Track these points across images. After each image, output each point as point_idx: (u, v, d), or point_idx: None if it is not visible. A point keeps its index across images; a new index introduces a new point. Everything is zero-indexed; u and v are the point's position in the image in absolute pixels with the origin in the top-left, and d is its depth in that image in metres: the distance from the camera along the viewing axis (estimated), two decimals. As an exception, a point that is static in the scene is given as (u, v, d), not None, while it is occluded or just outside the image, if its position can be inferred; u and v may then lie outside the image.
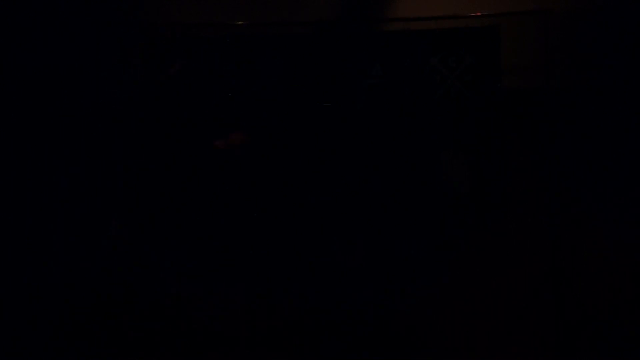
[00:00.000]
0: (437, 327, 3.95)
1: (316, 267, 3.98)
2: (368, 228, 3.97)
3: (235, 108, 4.03)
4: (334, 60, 4.01)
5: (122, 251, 4.06)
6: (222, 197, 4.00)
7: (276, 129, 4.01)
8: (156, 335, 4.01)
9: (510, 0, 3.98)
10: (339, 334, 3.97)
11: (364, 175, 3.95)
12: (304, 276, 3.99)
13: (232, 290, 4.02)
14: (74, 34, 4.12)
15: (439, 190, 3.94)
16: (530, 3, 3.94)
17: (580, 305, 3.86)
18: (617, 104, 3.95)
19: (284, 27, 4.07)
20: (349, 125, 3.98)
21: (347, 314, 3.98)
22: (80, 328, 3.98)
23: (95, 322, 4.00)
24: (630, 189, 3.92)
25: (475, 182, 3.92)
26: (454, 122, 3.94)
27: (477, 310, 3.94)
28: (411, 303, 3.96)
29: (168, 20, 4.13)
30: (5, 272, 3.96)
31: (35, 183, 4.06)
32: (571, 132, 3.96)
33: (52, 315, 3.99)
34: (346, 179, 3.96)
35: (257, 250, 4.00)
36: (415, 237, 3.95)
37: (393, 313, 3.97)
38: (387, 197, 3.94)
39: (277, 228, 3.99)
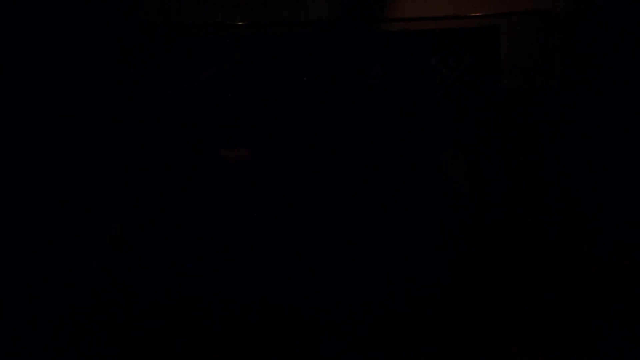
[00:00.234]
0: (437, 327, 3.95)
1: (316, 267, 3.97)
2: (368, 228, 3.97)
3: (235, 108, 4.03)
4: (334, 60, 4.01)
5: (122, 251, 4.06)
6: (222, 197, 4.00)
7: (276, 129, 4.01)
8: (156, 335, 4.01)
9: (510, 0, 3.98)
10: (339, 334, 3.97)
11: (364, 176, 3.95)
12: (304, 276, 3.99)
13: (232, 290, 4.02)
14: (74, 34, 4.12)
15: (439, 190, 3.93)
16: (530, 3, 3.94)
17: (580, 305, 3.86)
18: (617, 104, 3.95)
19: (284, 27, 4.07)
20: (349, 125, 3.98)
21: (347, 314, 3.98)
22: (80, 328, 3.98)
23: (95, 322, 3.99)
24: (630, 189, 3.92)
25: (475, 182, 3.92)
26: (454, 122, 3.94)
27: (477, 310, 3.94)
28: (411, 303, 3.96)
29: (168, 20, 4.13)
30: (5, 272, 3.96)
31: (35, 183, 4.06)
32: (571, 132, 3.96)
33: (52, 315, 3.99)
34: (346, 179, 3.96)
35: (257, 251, 4.00)
36: (415, 237, 3.94)
37: (393, 313, 3.97)
38: (387, 197, 3.94)
39: (277, 228, 3.99)
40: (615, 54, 3.96)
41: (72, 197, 4.08)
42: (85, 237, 4.06)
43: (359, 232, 3.97)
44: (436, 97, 3.96)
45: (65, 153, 4.10)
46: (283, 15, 4.09)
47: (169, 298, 4.04)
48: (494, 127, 3.93)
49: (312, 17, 4.07)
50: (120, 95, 4.12)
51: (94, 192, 4.09)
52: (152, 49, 4.08)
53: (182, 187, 4.00)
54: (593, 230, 3.91)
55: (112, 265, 4.05)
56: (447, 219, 3.94)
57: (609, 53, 3.97)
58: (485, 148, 3.92)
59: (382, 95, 3.98)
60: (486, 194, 3.93)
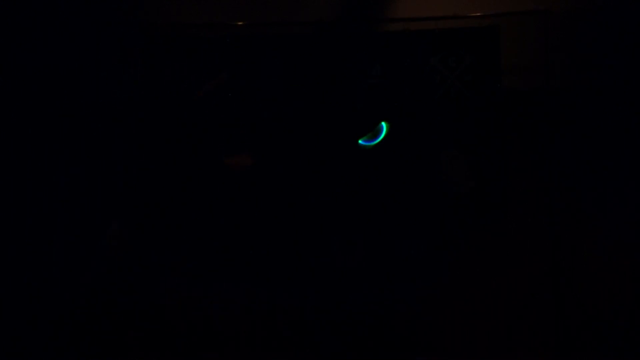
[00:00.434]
0: (437, 327, 3.95)
1: (316, 267, 3.97)
2: (368, 228, 3.97)
3: (235, 108, 4.03)
4: (334, 60, 4.01)
5: (122, 251, 4.06)
6: (222, 196, 4.00)
7: (276, 129, 4.01)
8: (156, 335, 4.01)
9: (510, 0, 3.98)
10: (339, 334, 3.97)
11: (364, 176, 3.95)
12: (304, 276, 3.99)
13: (232, 290, 4.02)
14: (74, 34, 4.12)
15: (439, 190, 3.93)
16: (530, 3, 3.94)
17: (580, 305, 3.86)
18: (617, 104, 3.95)
19: (284, 27, 4.07)
20: (349, 125, 3.98)
21: (347, 314, 3.97)
22: (80, 328, 3.98)
23: (95, 322, 3.99)
24: (630, 189, 3.92)
25: (475, 182, 3.92)
26: (454, 122, 3.94)
27: (477, 310, 3.94)
28: (411, 303, 3.96)
29: (168, 20, 4.13)
30: (5, 272, 3.96)
31: (35, 183, 4.06)
32: (571, 132, 3.96)
33: (52, 315, 3.99)
34: (346, 179, 3.96)
35: (257, 251, 4.00)
36: (415, 237, 3.95)
37: (393, 313, 3.97)
38: (387, 197, 3.94)
39: (277, 228, 3.98)
40: (615, 54, 3.96)
41: (72, 197, 4.08)
42: (85, 237, 4.06)
43: (359, 232, 3.97)
44: (436, 97, 3.96)
45: (66, 153, 4.10)
46: (283, 15, 4.09)
47: (169, 298, 4.04)
48: (494, 127, 3.93)
49: (312, 17, 4.07)
50: (120, 95, 4.12)
51: (93, 192, 4.09)
52: (152, 49, 4.08)
53: (182, 187, 4.00)
54: (593, 230, 3.91)
55: (112, 266, 4.05)
56: (447, 219, 3.94)
57: (609, 53, 3.97)
58: (485, 148, 3.92)
59: (382, 95, 3.98)
60: (486, 194, 3.93)
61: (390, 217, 3.95)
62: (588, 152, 3.96)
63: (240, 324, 4.02)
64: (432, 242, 3.95)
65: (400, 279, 3.97)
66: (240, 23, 4.07)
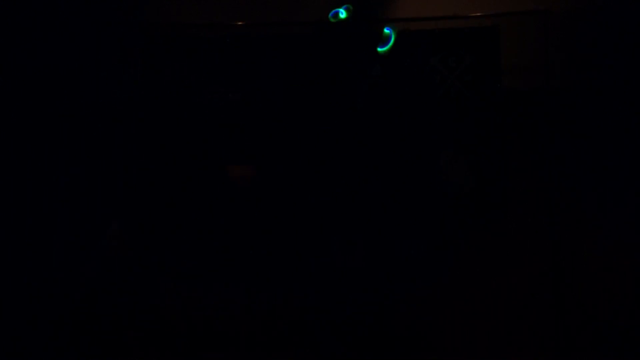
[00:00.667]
0: (437, 327, 3.95)
1: (316, 267, 3.97)
2: (368, 228, 3.97)
3: (235, 108, 4.03)
4: (334, 60, 4.01)
5: (122, 251, 4.06)
6: (222, 196, 4.00)
7: (276, 129, 4.01)
8: (156, 335, 4.01)
9: (510, 0, 3.98)
10: (339, 334, 3.97)
11: (364, 176, 3.95)
12: (304, 276, 3.99)
13: (232, 290, 4.02)
14: (74, 34, 4.12)
15: (439, 190, 3.93)
16: (530, 3, 3.94)
17: (580, 305, 3.86)
18: (617, 104, 3.95)
19: (284, 27, 4.07)
20: (349, 125, 3.98)
21: (347, 314, 3.97)
22: (80, 328, 3.98)
23: (95, 322, 3.99)
24: (630, 189, 3.92)
25: (475, 182, 3.92)
26: (454, 122, 3.95)
27: (477, 310, 3.94)
28: (411, 303, 3.96)
29: (168, 20, 4.14)
30: (5, 272, 3.96)
31: (36, 183, 4.06)
32: (571, 132, 3.96)
33: (52, 315, 3.99)
34: (346, 179, 3.96)
35: (257, 251, 4.00)
36: (416, 237, 3.94)
37: (393, 313, 3.97)
38: (387, 197, 3.94)
39: (277, 228, 3.98)
40: (615, 54, 3.96)
41: (72, 197, 4.08)
42: (85, 237, 4.06)
43: (359, 233, 3.97)
44: (436, 97, 3.96)
45: (66, 153, 4.10)
46: (283, 15, 4.10)
47: (169, 298, 4.04)
48: (494, 127, 3.93)
49: (312, 17, 4.07)
50: (120, 95, 4.12)
51: (93, 192, 4.09)
52: (152, 49, 4.08)
53: (182, 186, 4.00)
54: (593, 230, 3.91)
55: (112, 266, 4.05)
56: (447, 219, 3.94)
57: (609, 53, 3.97)
58: (485, 148, 3.92)
59: (382, 95, 3.98)
60: (486, 194, 3.93)
61: (390, 217, 3.95)
62: (588, 152, 3.96)
63: (240, 324, 4.02)
64: (432, 242, 3.95)
65: (400, 279, 3.97)
66: (240, 23, 4.07)
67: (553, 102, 3.91)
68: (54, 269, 4.03)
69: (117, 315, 4.01)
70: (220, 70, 4.04)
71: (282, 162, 3.99)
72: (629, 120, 3.94)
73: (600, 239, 3.91)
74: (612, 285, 3.87)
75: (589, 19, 4.00)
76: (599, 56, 3.98)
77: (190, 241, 4.02)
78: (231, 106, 4.03)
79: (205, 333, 4.02)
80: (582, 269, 3.89)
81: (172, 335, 4.02)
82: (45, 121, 4.09)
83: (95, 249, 4.06)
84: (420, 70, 3.98)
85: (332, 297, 3.99)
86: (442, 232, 3.95)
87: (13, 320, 3.94)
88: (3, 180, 4.00)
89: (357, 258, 3.97)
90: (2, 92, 4.04)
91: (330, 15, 3.50)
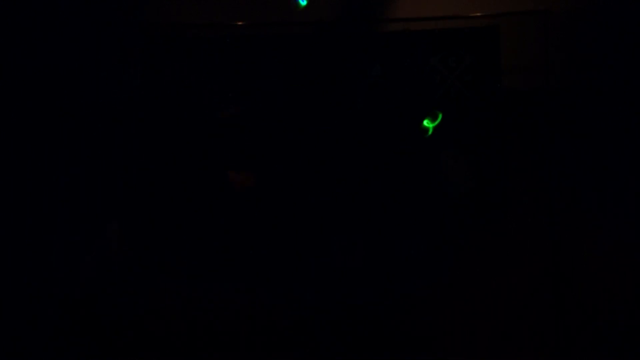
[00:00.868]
0: (437, 327, 3.95)
1: (316, 267, 3.98)
2: (368, 228, 3.97)
3: (235, 108, 4.03)
4: (334, 60, 4.01)
5: (122, 251, 4.06)
6: (222, 196, 4.00)
7: (276, 129, 4.01)
8: (156, 335, 4.01)
9: (510, 0, 3.98)
10: (339, 334, 3.97)
11: (364, 176, 3.95)
12: (304, 276, 3.99)
13: (232, 290, 4.02)
14: (74, 34, 4.12)
15: (439, 190, 3.94)
16: (530, 3, 3.94)
17: (580, 305, 3.86)
18: (617, 104, 3.95)
19: (284, 27, 4.07)
20: (349, 125, 3.98)
21: (347, 313, 3.97)
22: (80, 328, 3.98)
23: (95, 322, 3.99)
24: (630, 189, 3.92)
25: (475, 182, 3.92)
26: (454, 122, 3.95)
27: (477, 310, 3.94)
28: (411, 303, 3.96)
29: (168, 20, 4.14)
30: (5, 272, 3.96)
31: (35, 183, 4.06)
32: (571, 132, 3.96)
33: (52, 315, 3.99)
34: (346, 179, 3.96)
35: (257, 251, 4.00)
36: (416, 237, 3.95)
37: (393, 313, 3.97)
38: (388, 197, 3.94)
39: (277, 228, 3.98)
40: (615, 54, 3.96)
41: (72, 197, 4.08)
42: (85, 237, 4.06)
43: (359, 232, 3.97)
44: (436, 97, 3.96)
45: (66, 153, 4.10)
46: (283, 15, 4.09)
47: (169, 298, 4.04)
48: (494, 127, 3.93)
49: (312, 17, 4.07)
50: (120, 95, 4.12)
51: (93, 192, 4.09)
52: (152, 49, 4.08)
53: (182, 186, 4.00)
54: (593, 230, 3.91)
55: (112, 265, 4.05)
56: (447, 219, 3.94)
57: (609, 53, 3.97)
58: (485, 148, 3.92)
59: (382, 95, 3.98)
60: (486, 194, 3.93)
61: (390, 217, 3.95)
62: (588, 152, 3.96)
63: (240, 324, 4.02)
64: (432, 242, 3.95)
65: (401, 279, 3.97)
66: (240, 23, 4.07)
67: (553, 102, 3.91)
68: (54, 269, 4.03)
69: (117, 315, 4.01)
70: (220, 70, 4.04)
71: (282, 161, 3.99)
72: (628, 120, 3.94)
73: (600, 239, 3.91)
74: (612, 285, 3.87)
75: (589, 19, 4.00)
76: (599, 56, 3.98)
77: (190, 241, 4.02)
78: (231, 106, 4.03)
79: (205, 333, 4.02)
80: (582, 269, 3.89)
81: (172, 335, 4.01)
82: (45, 121, 4.09)
83: (95, 249, 4.06)
84: (420, 70, 3.98)
85: (332, 297, 3.99)
86: (442, 232, 3.95)
87: (13, 320, 3.94)
88: (3, 180, 4.00)
89: (357, 258, 3.97)
90: (2, 92, 4.04)
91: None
